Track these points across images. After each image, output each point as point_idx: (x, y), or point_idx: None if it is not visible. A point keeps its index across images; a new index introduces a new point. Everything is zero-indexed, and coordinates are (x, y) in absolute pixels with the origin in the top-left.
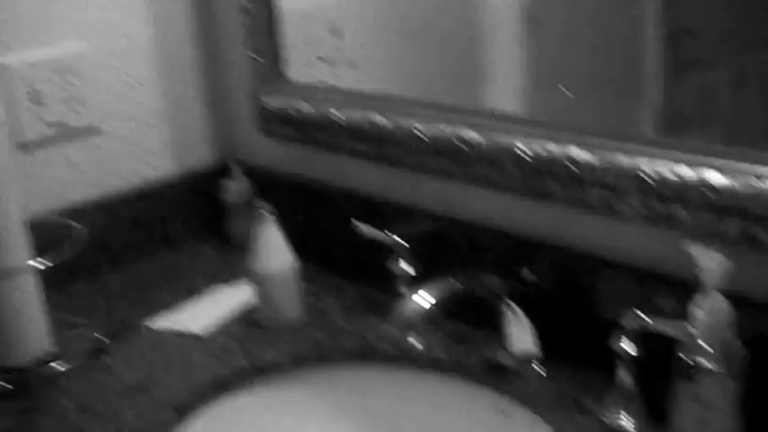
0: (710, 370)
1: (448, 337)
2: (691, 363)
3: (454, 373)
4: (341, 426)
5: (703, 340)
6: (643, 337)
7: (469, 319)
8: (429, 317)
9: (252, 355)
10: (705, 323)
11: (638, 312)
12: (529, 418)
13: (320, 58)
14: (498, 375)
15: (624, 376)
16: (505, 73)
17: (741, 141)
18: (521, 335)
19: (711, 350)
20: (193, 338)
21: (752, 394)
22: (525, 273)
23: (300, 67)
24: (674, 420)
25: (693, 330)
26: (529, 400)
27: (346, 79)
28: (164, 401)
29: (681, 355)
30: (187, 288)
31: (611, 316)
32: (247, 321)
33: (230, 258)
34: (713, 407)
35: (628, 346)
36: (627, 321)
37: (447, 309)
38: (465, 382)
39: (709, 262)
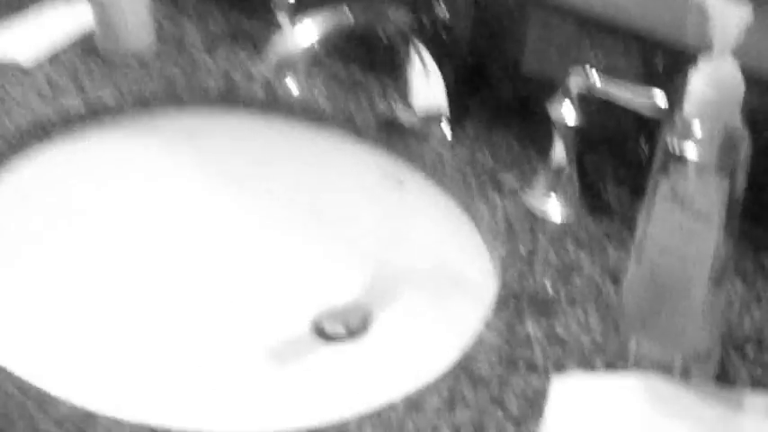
0: (699, 163)
1: (335, 82)
2: (672, 150)
3: (339, 127)
4: (195, 183)
5: (697, 121)
6: (593, 106)
7: (364, 61)
8: (313, 56)
9: (86, 92)
10: (703, 98)
11: (589, 71)
12: (427, 188)
13: None
14: (394, 134)
15: (560, 151)
16: None
17: None
18: (427, 86)
19: (706, 136)
20: (16, 70)
21: (752, 198)
22: (439, 7)
23: None
24: (645, 224)
25: (686, 105)
26: (430, 167)
27: None
28: None
29: (665, 138)
30: (15, 3)
31: (550, 74)
32: (84, 49)
33: None
34: (698, 212)
35: (568, 112)
36: (571, 81)
37: (337, 47)
38: (352, 139)
39: (725, 10)
